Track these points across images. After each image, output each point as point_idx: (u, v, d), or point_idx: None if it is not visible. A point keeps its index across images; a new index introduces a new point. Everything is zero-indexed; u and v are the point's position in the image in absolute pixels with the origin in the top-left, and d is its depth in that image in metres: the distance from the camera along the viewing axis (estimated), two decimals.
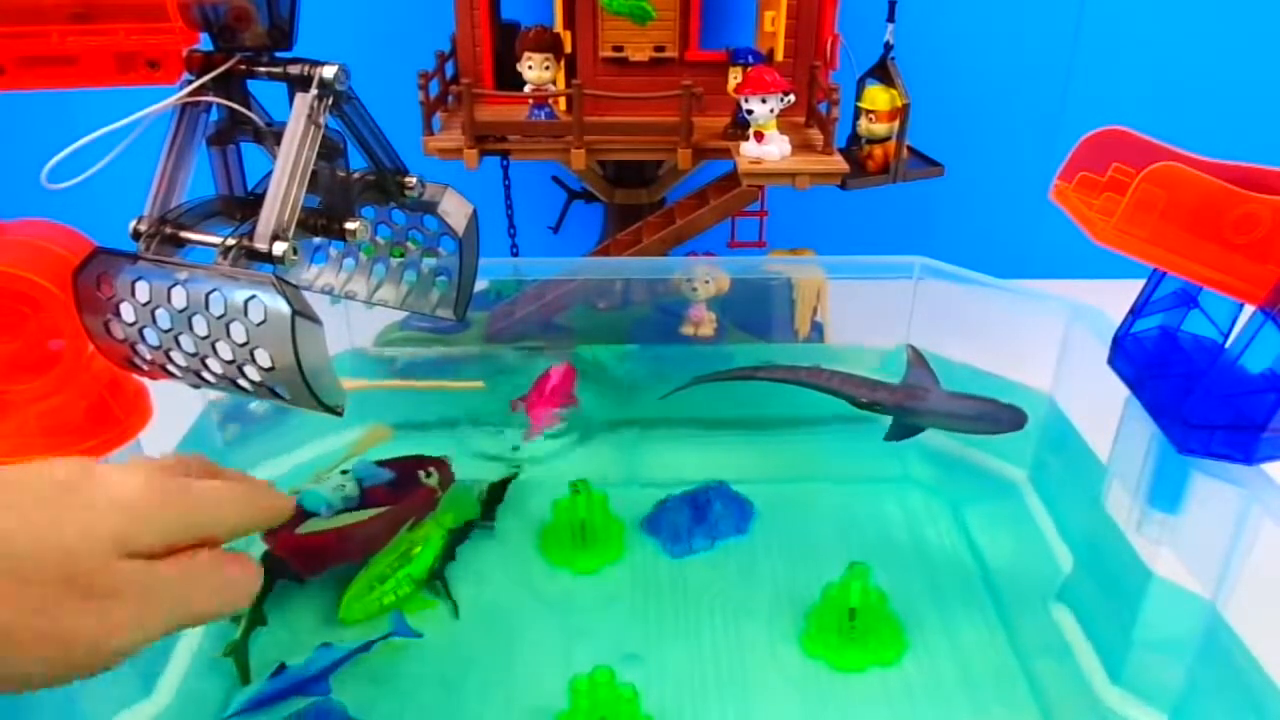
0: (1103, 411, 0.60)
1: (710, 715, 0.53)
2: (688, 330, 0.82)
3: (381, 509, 0.61)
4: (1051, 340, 0.70)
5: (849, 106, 0.79)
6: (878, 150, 0.79)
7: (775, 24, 0.79)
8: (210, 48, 0.46)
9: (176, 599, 0.35)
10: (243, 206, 0.48)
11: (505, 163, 0.89)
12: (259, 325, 0.39)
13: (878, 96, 0.78)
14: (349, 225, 0.48)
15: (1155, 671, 0.55)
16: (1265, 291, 0.46)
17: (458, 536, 0.64)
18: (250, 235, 0.42)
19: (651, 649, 0.57)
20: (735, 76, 0.79)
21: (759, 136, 0.74)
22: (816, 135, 0.80)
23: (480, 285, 0.60)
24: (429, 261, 0.57)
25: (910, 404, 0.67)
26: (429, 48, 0.81)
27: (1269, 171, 0.47)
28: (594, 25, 0.78)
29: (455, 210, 0.55)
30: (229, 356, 0.41)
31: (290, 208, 0.42)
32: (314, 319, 0.40)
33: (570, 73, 0.80)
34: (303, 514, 0.59)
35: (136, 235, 0.44)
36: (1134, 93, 1.02)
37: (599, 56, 0.79)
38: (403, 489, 0.64)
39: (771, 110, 0.73)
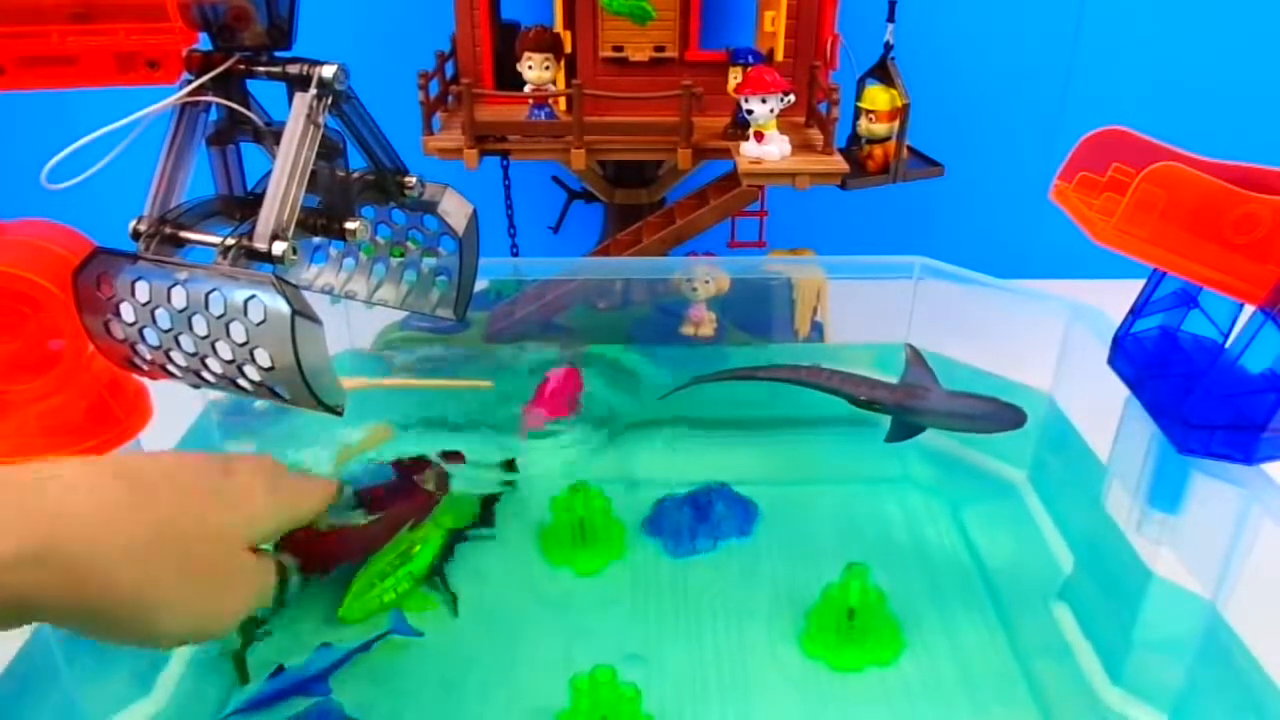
0: (1103, 411, 0.60)
1: (710, 715, 0.53)
2: (688, 330, 0.82)
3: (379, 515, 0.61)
4: (1051, 340, 0.70)
5: (849, 106, 0.79)
6: (878, 150, 0.79)
7: (775, 24, 0.79)
8: (210, 47, 0.46)
9: (266, 586, 0.44)
10: (242, 206, 0.48)
11: (505, 163, 0.89)
12: (259, 325, 0.39)
13: (878, 96, 0.78)
14: (349, 225, 0.48)
15: (1155, 671, 0.55)
16: (1265, 291, 0.46)
17: (458, 536, 0.64)
18: (250, 235, 0.42)
19: (652, 649, 0.57)
20: (735, 76, 0.79)
21: (759, 136, 0.74)
22: (816, 135, 0.80)
23: (480, 285, 0.60)
24: (429, 261, 0.57)
25: (909, 403, 0.67)
26: (429, 48, 0.81)
27: (1269, 171, 0.47)
28: (594, 25, 0.78)
29: (455, 210, 0.55)
30: (229, 356, 0.41)
31: (290, 207, 0.42)
32: (314, 319, 0.40)
33: (570, 73, 0.80)
34: None
35: (136, 235, 0.44)
36: (1134, 93, 1.02)
37: (599, 56, 0.79)
38: (401, 490, 0.64)
39: (771, 110, 0.73)
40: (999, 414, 0.65)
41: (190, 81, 0.45)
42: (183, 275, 0.41)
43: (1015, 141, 1.05)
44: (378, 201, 0.53)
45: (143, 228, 0.44)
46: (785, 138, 0.75)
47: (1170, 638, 0.56)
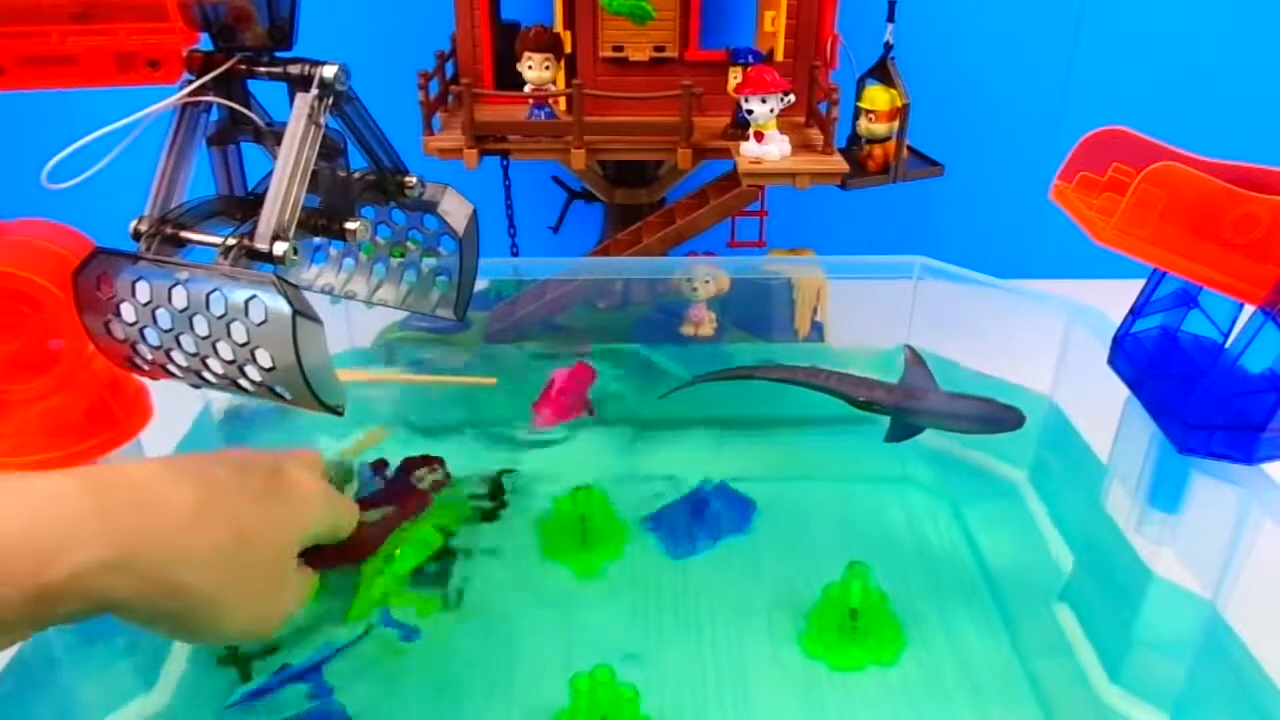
0: (1103, 411, 0.60)
1: (710, 714, 0.53)
2: (688, 330, 0.82)
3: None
4: (1051, 341, 0.70)
5: (849, 106, 0.79)
6: (878, 150, 0.79)
7: (775, 24, 0.79)
8: (210, 48, 0.46)
9: (310, 589, 0.48)
10: (243, 206, 0.48)
11: (505, 163, 0.90)
12: (260, 325, 0.39)
13: (878, 96, 0.78)
14: (349, 225, 0.48)
15: (1155, 671, 0.55)
16: (1265, 291, 0.46)
17: (456, 535, 0.64)
18: (251, 235, 0.42)
19: (652, 648, 0.57)
20: (735, 76, 0.79)
21: (759, 136, 0.74)
22: (816, 135, 0.80)
23: (480, 285, 0.60)
24: (429, 261, 0.57)
25: (908, 404, 0.67)
26: (429, 48, 0.81)
27: (1269, 171, 0.47)
28: (594, 25, 0.78)
29: (455, 210, 0.55)
30: (230, 356, 0.41)
31: (290, 208, 0.42)
32: (315, 319, 0.40)
33: (570, 73, 0.80)
34: None
35: (137, 235, 0.44)
36: (1134, 93, 1.02)
37: (599, 56, 0.79)
38: (398, 490, 0.64)
39: (771, 110, 0.73)
40: (997, 416, 0.65)
41: (191, 82, 0.45)
42: (183, 275, 0.41)
43: (1015, 141, 1.05)
44: (378, 202, 0.54)
45: (143, 228, 0.44)
46: (785, 138, 0.75)
47: (1170, 637, 0.56)
